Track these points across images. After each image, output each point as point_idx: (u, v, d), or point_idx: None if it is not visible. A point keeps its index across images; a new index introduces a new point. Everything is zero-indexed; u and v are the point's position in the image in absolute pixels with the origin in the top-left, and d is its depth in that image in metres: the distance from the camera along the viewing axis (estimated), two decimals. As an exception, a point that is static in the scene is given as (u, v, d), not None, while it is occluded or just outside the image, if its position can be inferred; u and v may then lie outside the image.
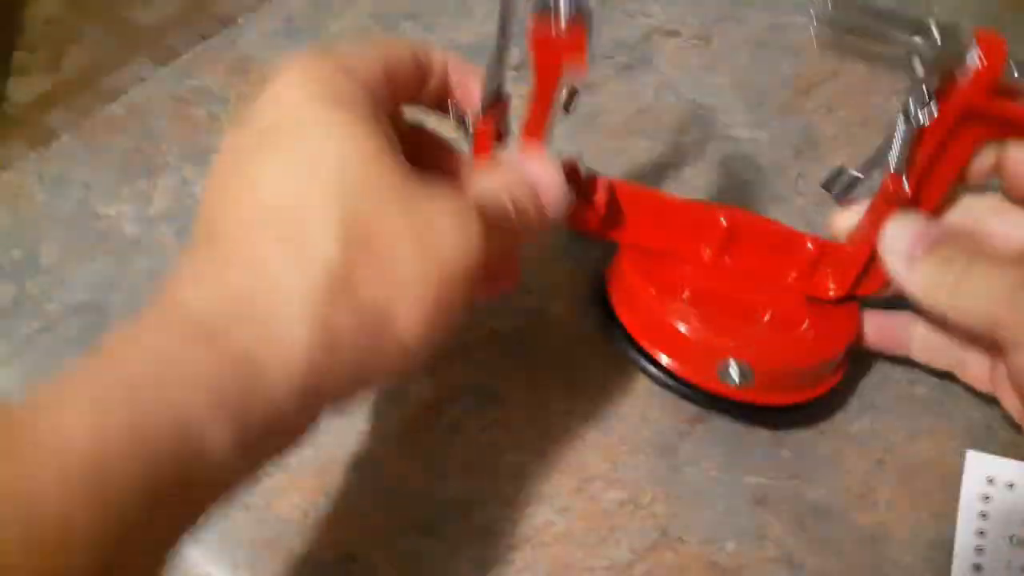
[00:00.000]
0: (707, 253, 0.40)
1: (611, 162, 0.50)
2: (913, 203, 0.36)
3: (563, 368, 0.41)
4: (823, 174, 0.38)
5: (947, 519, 0.37)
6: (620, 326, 0.40)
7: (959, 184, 0.36)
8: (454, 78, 0.35)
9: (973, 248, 0.34)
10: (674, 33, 0.57)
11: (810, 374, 0.39)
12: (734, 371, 0.37)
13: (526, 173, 0.33)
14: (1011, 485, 0.37)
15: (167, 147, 0.48)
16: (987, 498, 0.37)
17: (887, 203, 0.36)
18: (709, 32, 0.58)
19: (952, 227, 0.36)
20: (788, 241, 0.39)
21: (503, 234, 0.30)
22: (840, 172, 0.37)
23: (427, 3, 0.57)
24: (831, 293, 0.39)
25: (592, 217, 0.38)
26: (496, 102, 0.35)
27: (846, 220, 0.38)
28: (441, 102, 0.35)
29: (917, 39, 0.32)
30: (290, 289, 0.24)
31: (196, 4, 0.56)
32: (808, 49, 0.57)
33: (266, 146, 0.27)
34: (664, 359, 0.38)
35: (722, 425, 0.40)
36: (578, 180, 0.37)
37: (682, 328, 0.37)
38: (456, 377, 0.40)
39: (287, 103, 0.27)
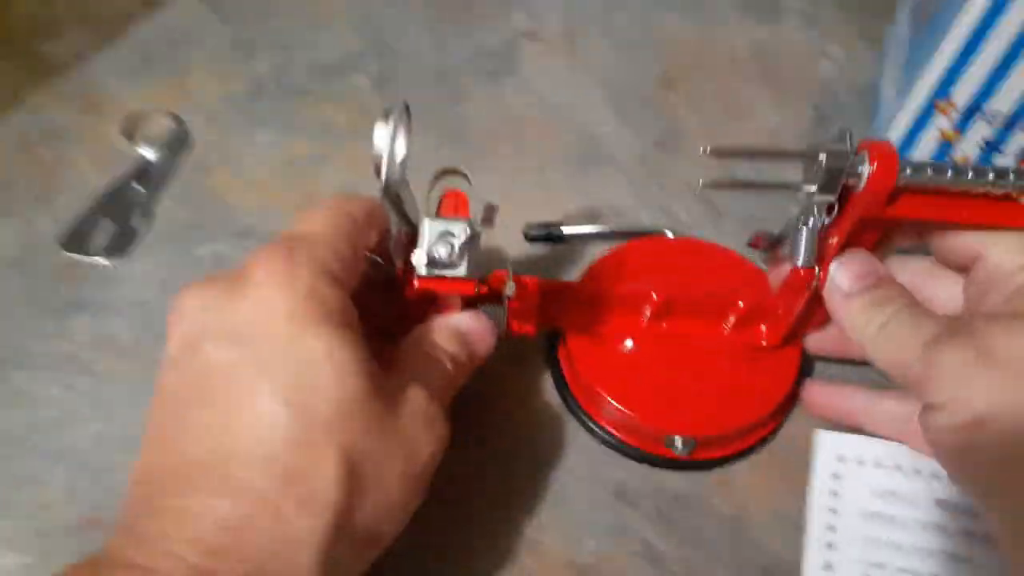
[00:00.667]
0: (644, 322, 0.40)
1: (479, 172, 0.49)
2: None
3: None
4: (750, 234, 0.38)
5: (803, 499, 0.37)
6: (571, 396, 0.40)
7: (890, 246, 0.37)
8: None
9: (908, 295, 0.34)
10: (538, 37, 0.57)
11: (752, 428, 0.39)
12: (679, 443, 0.37)
13: (457, 329, 0.34)
14: (860, 462, 0.37)
15: (13, 191, 0.46)
16: (837, 476, 0.37)
17: (796, 292, 0.36)
18: (573, 34, 0.58)
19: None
20: (720, 304, 0.39)
21: (453, 387, 0.33)
22: (763, 233, 0.37)
23: (286, 26, 0.57)
24: (764, 343, 0.40)
25: (522, 325, 0.38)
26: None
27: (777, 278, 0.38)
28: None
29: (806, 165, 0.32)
30: (303, 539, 0.25)
31: (112, 31, 0.55)
32: (670, 44, 0.57)
33: (255, 369, 0.26)
34: (610, 430, 0.39)
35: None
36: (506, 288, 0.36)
37: (625, 409, 0.38)
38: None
39: (272, 320, 0.27)
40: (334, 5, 0.58)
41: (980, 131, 0.46)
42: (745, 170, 0.37)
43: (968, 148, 0.47)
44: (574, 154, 0.51)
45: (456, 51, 0.56)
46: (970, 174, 0.31)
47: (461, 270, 0.32)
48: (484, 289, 0.36)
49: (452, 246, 0.31)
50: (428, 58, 0.55)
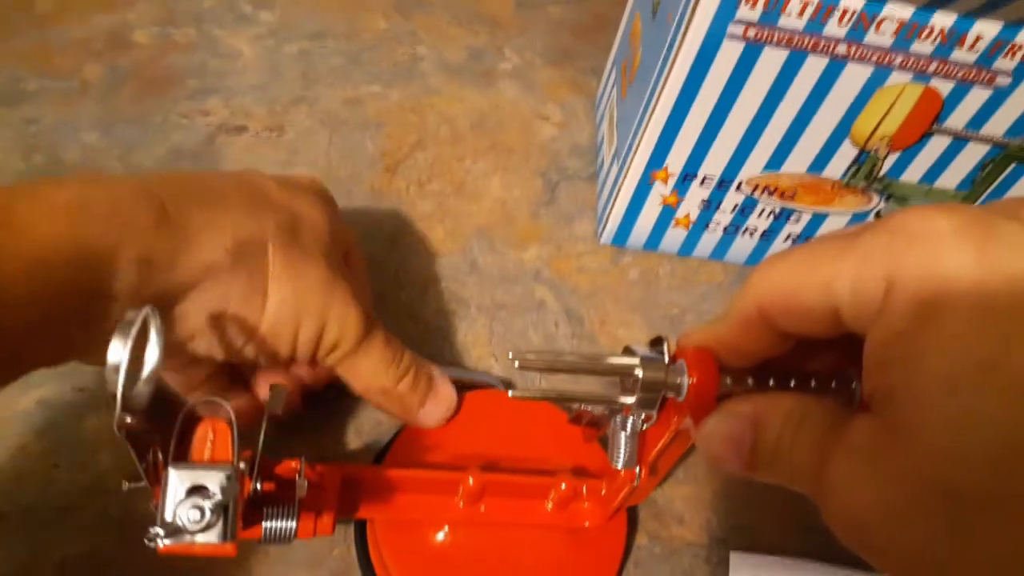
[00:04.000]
0: (458, 509, 0.36)
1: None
2: (647, 479, 0.34)
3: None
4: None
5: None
6: None
7: None
8: None
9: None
10: (242, 128, 0.52)
11: None
12: None
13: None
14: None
15: None
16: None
17: (620, 488, 0.35)
18: (280, 120, 0.53)
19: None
20: (540, 486, 0.36)
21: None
22: (585, 414, 0.34)
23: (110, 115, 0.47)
24: (587, 524, 0.37)
25: (317, 525, 0.32)
26: None
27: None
28: None
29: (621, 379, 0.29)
30: None
31: None
32: (385, 121, 0.54)
33: None
34: None
35: None
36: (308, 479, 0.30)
37: None
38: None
39: None
40: (-16, 115, 0.49)
41: (698, 193, 0.47)
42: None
43: (690, 208, 0.48)
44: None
45: (145, 157, 0.49)
46: (791, 382, 0.28)
47: (213, 534, 0.25)
48: (269, 486, 0.30)
49: (203, 508, 0.24)
50: (112, 169, 0.48)
